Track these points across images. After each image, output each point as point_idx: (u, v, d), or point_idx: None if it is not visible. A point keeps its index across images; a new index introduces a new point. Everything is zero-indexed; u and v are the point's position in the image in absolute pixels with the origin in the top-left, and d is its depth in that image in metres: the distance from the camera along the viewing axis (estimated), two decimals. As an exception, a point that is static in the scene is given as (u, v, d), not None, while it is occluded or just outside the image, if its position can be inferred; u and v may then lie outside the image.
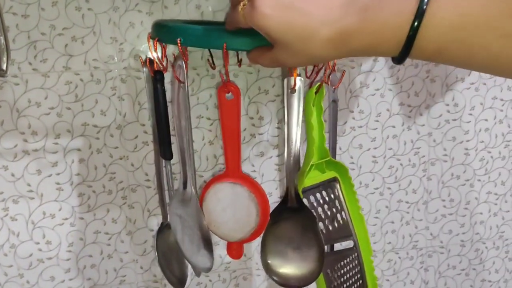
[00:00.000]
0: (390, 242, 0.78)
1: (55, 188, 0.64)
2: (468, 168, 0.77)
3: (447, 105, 0.73)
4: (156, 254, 0.67)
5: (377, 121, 0.72)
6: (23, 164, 0.63)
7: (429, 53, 0.39)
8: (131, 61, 0.62)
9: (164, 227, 0.67)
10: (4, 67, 0.44)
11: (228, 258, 0.70)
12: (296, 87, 0.54)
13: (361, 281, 0.68)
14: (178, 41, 0.49)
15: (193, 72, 0.64)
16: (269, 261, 0.59)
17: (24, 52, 0.59)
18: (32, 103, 0.61)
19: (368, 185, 0.74)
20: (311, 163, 0.63)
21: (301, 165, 0.61)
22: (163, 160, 0.63)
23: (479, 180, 0.77)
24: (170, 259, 0.67)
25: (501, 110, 0.75)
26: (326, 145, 0.64)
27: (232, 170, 0.61)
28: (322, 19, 0.39)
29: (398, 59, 0.40)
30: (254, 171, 0.70)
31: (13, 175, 0.63)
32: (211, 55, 0.61)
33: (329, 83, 0.62)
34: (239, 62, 0.62)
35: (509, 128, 0.76)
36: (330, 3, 0.39)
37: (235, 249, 0.66)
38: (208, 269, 0.63)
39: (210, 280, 0.73)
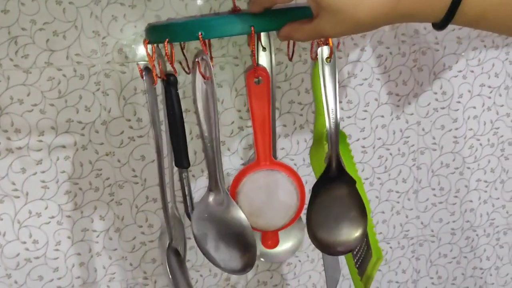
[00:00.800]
0: (381, 232, 0.77)
1: (41, 186, 0.63)
2: (458, 156, 0.76)
3: (435, 93, 0.73)
4: (170, 277, 0.61)
5: (366, 111, 0.71)
6: (7, 163, 0.62)
7: (472, 18, 0.39)
8: (114, 55, 0.61)
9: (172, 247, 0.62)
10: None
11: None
12: (332, 56, 0.54)
13: (365, 239, 0.68)
14: (200, 35, 0.48)
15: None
16: (316, 233, 0.59)
17: (5, 48, 0.58)
18: (15, 100, 0.60)
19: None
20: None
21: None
22: (177, 170, 0.61)
23: (468, 168, 0.77)
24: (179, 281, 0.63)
25: (489, 97, 0.75)
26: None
27: (263, 158, 0.60)
28: None
29: (441, 25, 0.40)
30: (243, 164, 0.69)
31: (-3, 174, 0.62)
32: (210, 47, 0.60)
33: (316, 58, 0.62)
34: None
35: (498, 115, 0.76)
36: None
37: (271, 238, 0.64)
38: (248, 267, 0.59)
39: (201, 275, 0.72)
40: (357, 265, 0.67)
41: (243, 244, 0.58)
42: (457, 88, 0.73)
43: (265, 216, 0.60)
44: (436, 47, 0.71)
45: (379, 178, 0.75)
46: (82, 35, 0.60)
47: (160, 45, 0.55)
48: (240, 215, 0.57)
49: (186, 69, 0.60)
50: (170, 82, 0.56)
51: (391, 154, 0.74)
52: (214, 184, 0.56)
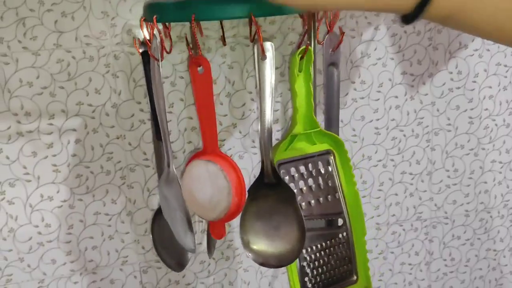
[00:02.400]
0: (394, 215, 0.77)
1: (52, 170, 0.63)
2: (472, 137, 0.75)
3: (451, 73, 0.71)
4: (152, 237, 0.65)
5: (379, 91, 0.70)
6: (18, 146, 0.61)
7: (444, 13, 0.37)
8: (124, 36, 0.60)
9: (159, 210, 0.65)
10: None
11: (230, 236, 0.69)
12: (267, 53, 0.50)
13: (348, 263, 0.66)
14: (154, 18, 0.48)
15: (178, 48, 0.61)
16: (246, 238, 0.56)
17: (13, 30, 0.57)
18: (24, 83, 0.59)
19: (371, 157, 0.73)
20: (292, 134, 0.61)
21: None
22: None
23: (483, 149, 0.76)
24: (168, 242, 0.65)
25: (505, 77, 0.73)
26: (320, 115, 0.61)
27: (209, 148, 0.59)
28: None
29: (410, 17, 0.38)
30: (254, 146, 0.68)
31: (8, 157, 0.61)
32: (222, 30, 0.59)
33: (323, 44, 0.60)
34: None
35: (514, 95, 0.74)
36: None
37: (217, 228, 0.63)
38: (193, 250, 0.61)
39: (214, 258, 0.72)
40: (312, 282, 0.64)
41: (187, 226, 0.60)
42: (472, 67, 0.72)
43: (197, 205, 0.58)
44: (451, 26, 0.69)
45: (392, 160, 0.74)
46: (91, 16, 0.59)
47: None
48: (183, 200, 0.59)
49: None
50: (144, 59, 0.57)
51: (404, 135, 0.73)
52: (168, 163, 0.59)
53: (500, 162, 0.78)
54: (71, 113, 0.61)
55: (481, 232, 0.81)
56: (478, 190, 0.78)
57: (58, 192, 0.64)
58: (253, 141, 0.68)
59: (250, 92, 0.66)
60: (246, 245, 0.57)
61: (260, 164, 0.67)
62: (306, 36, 0.58)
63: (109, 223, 0.67)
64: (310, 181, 0.64)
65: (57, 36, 0.58)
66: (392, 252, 0.79)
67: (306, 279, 0.64)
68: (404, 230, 0.78)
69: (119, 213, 0.67)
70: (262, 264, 0.57)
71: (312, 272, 0.64)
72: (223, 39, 0.61)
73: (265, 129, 0.53)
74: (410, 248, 0.79)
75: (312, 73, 0.60)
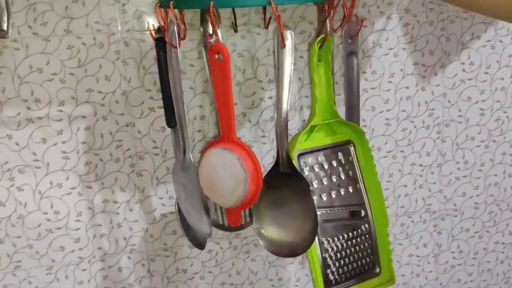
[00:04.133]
0: (403, 206, 0.76)
1: (61, 157, 0.63)
2: (483, 129, 0.75)
3: (463, 64, 0.70)
4: (179, 216, 0.64)
5: (390, 82, 0.69)
6: (28, 133, 0.61)
7: None
8: (134, 23, 0.60)
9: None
10: (4, 27, 0.41)
11: (239, 225, 0.68)
12: (287, 42, 0.50)
13: (371, 256, 0.66)
14: (171, 4, 0.47)
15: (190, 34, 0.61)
16: (259, 226, 0.57)
17: (23, 15, 0.57)
18: (34, 69, 0.59)
19: (381, 148, 0.72)
20: (311, 124, 0.61)
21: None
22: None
23: (494, 141, 0.76)
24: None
25: (518, 68, 0.72)
26: (342, 105, 0.61)
27: (226, 136, 0.58)
28: None
29: None
30: (264, 136, 0.68)
31: (17, 144, 0.61)
32: (235, 17, 0.58)
33: (343, 33, 0.59)
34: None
35: (526, 87, 0.74)
36: None
37: (233, 215, 0.63)
38: (209, 235, 0.61)
39: (221, 248, 0.72)
40: (334, 275, 0.64)
41: (204, 211, 0.60)
42: (485, 58, 0.71)
43: (214, 192, 0.58)
44: (464, 16, 0.68)
45: (402, 151, 0.73)
46: (102, 2, 0.58)
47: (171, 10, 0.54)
48: (200, 186, 0.58)
49: (235, 28, 0.58)
50: (159, 45, 0.56)
51: (415, 126, 0.72)
52: (184, 151, 0.59)
53: (511, 155, 0.77)
54: (80, 100, 0.61)
55: (490, 224, 0.81)
56: (488, 182, 0.78)
57: (67, 179, 0.64)
58: (263, 131, 0.68)
59: (261, 81, 0.65)
60: (259, 232, 0.57)
61: (269, 153, 0.67)
62: (324, 24, 0.58)
63: (117, 211, 0.67)
64: (331, 171, 0.63)
65: (67, 22, 0.58)
66: (400, 244, 0.79)
67: (328, 271, 0.64)
68: (412, 222, 0.78)
69: (127, 201, 0.67)
70: (273, 252, 0.57)
71: (335, 264, 0.64)
72: (234, 26, 0.60)
73: (281, 118, 0.52)
74: (419, 240, 0.79)
75: (331, 62, 0.60)
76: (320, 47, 0.58)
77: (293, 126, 0.68)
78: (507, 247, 0.83)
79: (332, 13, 0.55)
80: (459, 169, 0.76)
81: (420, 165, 0.75)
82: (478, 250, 0.82)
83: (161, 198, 0.67)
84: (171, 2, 0.47)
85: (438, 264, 0.81)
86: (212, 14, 0.46)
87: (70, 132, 0.62)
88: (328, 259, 0.63)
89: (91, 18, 0.58)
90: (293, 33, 0.50)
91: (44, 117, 0.61)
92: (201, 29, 0.59)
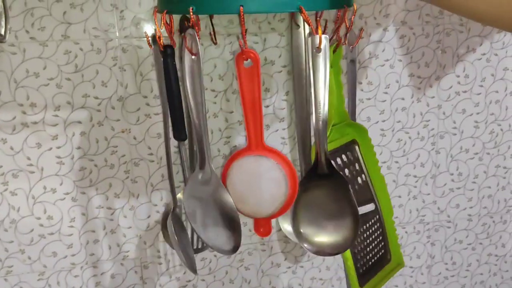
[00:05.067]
0: (397, 217, 0.76)
1: (56, 162, 0.63)
2: (478, 142, 0.75)
3: (458, 76, 0.71)
4: (176, 239, 0.63)
5: (386, 93, 0.70)
6: (22, 137, 0.61)
7: None
8: (132, 29, 0.60)
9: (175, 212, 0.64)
10: (2, 31, 0.41)
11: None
12: (322, 46, 0.50)
13: (383, 243, 0.68)
14: (190, 10, 0.45)
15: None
16: (302, 230, 0.57)
17: (21, 20, 0.57)
18: (30, 73, 0.59)
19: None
20: (331, 127, 0.62)
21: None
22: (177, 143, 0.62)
23: (488, 154, 0.76)
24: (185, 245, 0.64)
25: (513, 82, 0.73)
26: (345, 108, 0.62)
27: (255, 143, 0.58)
28: None
29: None
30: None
31: (12, 148, 0.61)
32: (212, 27, 0.59)
33: (346, 42, 0.60)
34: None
35: (521, 100, 0.74)
36: None
37: (263, 225, 0.63)
38: (236, 249, 0.58)
39: (215, 256, 0.72)
40: (362, 269, 0.65)
41: (230, 225, 0.58)
42: (480, 71, 0.72)
43: (250, 203, 0.58)
44: (460, 29, 0.69)
45: (397, 162, 0.73)
46: (100, 8, 0.58)
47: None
48: (226, 197, 0.57)
49: (214, 40, 0.58)
50: (167, 53, 0.55)
51: (410, 137, 0.73)
52: (202, 163, 0.56)
53: (505, 167, 0.77)
54: (76, 105, 0.61)
55: (483, 237, 0.81)
56: (481, 194, 0.78)
57: (61, 184, 0.64)
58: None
59: (257, 90, 0.65)
60: (300, 236, 0.57)
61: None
62: (337, 32, 0.58)
63: (111, 217, 0.66)
64: (346, 171, 0.64)
65: (65, 28, 0.58)
66: (394, 255, 0.79)
67: (358, 265, 0.65)
68: (406, 232, 0.78)
69: (121, 208, 0.66)
70: (317, 253, 0.57)
71: (361, 257, 0.65)
72: (213, 37, 0.59)
73: (319, 120, 0.52)
74: (412, 251, 0.79)
75: (341, 67, 0.60)
76: (334, 52, 0.59)
77: (289, 135, 0.68)
78: (500, 259, 0.83)
79: (340, 22, 0.55)
80: (453, 180, 0.76)
81: (415, 176, 0.75)
82: (471, 262, 0.82)
83: (156, 205, 0.67)
84: (191, 8, 0.45)
85: (431, 275, 0.81)
86: (242, 19, 0.45)
87: (65, 137, 0.62)
88: (357, 254, 0.65)
89: (89, 24, 0.59)
90: (328, 37, 0.50)
91: (39, 122, 0.61)
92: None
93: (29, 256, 0.66)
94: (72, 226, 0.66)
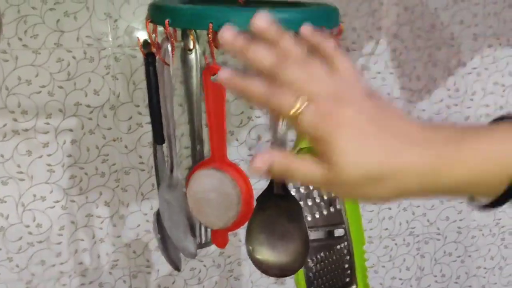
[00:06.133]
0: (387, 228, 0.77)
1: (46, 169, 0.62)
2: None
3: (448, 90, 0.72)
4: (158, 236, 0.63)
5: (377, 105, 0.70)
6: (13, 144, 0.61)
7: None
8: (125, 39, 0.60)
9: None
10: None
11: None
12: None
13: (349, 271, 0.66)
14: (166, 22, 0.47)
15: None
16: (251, 247, 0.57)
17: (14, 27, 0.57)
18: (22, 81, 0.59)
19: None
20: (298, 148, 0.61)
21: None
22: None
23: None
24: (168, 242, 0.65)
25: (502, 96, 0.74)
26: None
27: (217, 156, 0.59)
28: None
29: (497, 202, 0.32)
30: (250, 155, 0.68)
31: (2, 155, 0.61)
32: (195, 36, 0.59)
33: None
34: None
35: (510, 115, 0.75)
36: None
37: (220, 237, 0.63)
38: (193, 255, 0.61)
39: (205, 266, 0.72)
40: None
41: (191, 231, 0.60)
42: (470, 85, 0.72)
43: (204, 213, 0.59)
44: (451, 43, 0.69)
45: (387, 174, 0.74)
46: (94, 17, 0.58)
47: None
48: (187, 205, 0.58)
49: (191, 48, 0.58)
50: (149, 60, 0.56)
51: (400, 150, 0.73)
52: (171, 169, 0.59)
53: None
54: (68, 113, 0.61)
55: (472, 249, 0.81)
56: (470, 207, 0.79)
57: (51, 192, 0.63)
58: (250, 149, 0.68)
59: (249, 100, 0.66)
60: (250, 253, 0.57)
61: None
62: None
63: (101, 226, 0.66)
64: (314, 193, 0.64)
65: (58, 36, 0.58)
66: (384, 266, 0.79)
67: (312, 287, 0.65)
68: (396, 244, 0.78)
69: (111, 216, 0.66)
70: (265, 272, 0.57)
71: (318, 282, 0.64)
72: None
73: (276, 141, 0.53)
74: (402, 263, 0.79)
75: None
76: None
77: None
78: (488, 272, 0.84)
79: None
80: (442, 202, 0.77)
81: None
82: (460, 274, 0.82)
83: (146, 214, 0.67)
84: (167, 20, 0.47)
85: (421, 287, 0.81)
86: (210, 37, 0.46)
87: (56, 145, 0.62)
88: (312, 278, 0.64)
89: (82, 32, 0.59)
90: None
91: (30, 129, 0.60)
92: (182, 44, 0.59)
93: (17, 264, 0.65)
94: (61, 234, 0.65)
